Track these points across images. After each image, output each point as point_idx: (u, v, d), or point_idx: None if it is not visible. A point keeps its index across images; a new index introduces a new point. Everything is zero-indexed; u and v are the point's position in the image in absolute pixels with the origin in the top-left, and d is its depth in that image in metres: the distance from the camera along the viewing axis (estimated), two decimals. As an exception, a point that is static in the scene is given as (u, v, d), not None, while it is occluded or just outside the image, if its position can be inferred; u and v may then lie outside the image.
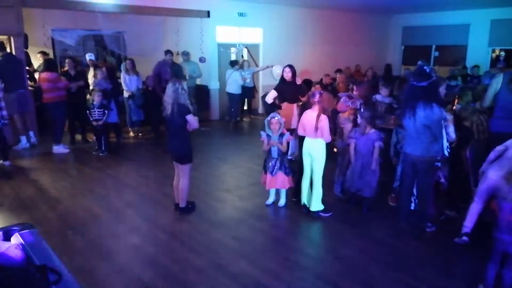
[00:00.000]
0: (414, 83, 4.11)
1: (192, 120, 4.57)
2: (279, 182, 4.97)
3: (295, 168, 5.23)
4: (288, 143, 5.03)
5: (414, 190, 4.53)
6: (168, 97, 4.49)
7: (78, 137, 8.23)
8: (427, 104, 4.02)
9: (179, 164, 4.74)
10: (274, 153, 4.94)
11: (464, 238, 3.97)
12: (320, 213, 4.81)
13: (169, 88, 4.49)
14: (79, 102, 7.79)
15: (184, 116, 4.51)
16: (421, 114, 4.05)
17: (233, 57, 11.57)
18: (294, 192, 5.16)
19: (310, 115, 4.64)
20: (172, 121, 4.55)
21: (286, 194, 5.11)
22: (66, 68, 8.00)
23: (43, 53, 8.73)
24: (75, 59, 8.70)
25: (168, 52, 8.83)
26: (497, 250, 3.10)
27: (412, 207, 4.60)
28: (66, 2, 8.15)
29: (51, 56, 9.41)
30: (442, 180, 4.53)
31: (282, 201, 5.09)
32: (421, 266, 3.75)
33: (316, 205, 4.78)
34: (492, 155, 3.86)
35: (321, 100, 4.60)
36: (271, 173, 4.95)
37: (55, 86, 7.20)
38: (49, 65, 7.39)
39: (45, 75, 7.23)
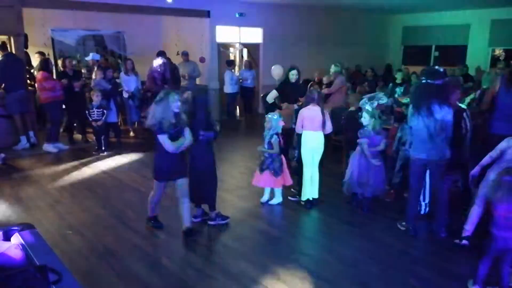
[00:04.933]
0: (429, 81, 3.97)
1: (163, 142, 3.91)
2: (263, 180, 5.05)
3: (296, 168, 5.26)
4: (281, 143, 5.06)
5: (422, 196, 4.52)
6: None
7: (78, 137, 8.23)
8: (443, 104, 3.92)
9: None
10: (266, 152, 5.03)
11: (464, 241, 3.91)
12: (314, 202, 5.05)
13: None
14: (79, 102, 7.78)
15: (154, 133, 3.93)
16: (437, 116, 3.91)
17: (231, 57, 11.60)
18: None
19: (314, 110, 4.81)
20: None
21: (281, 193, 5.16)
22: (66, 68, 7.97)
23: (41, 54, 8.74)
24: (76, 59, 8.71)
25: (161, 53, 8.71)
26: (495, 246, 3.13)
27: (422, 212, 4.60)
28: (66, 2, 8.15)
29: (51, 56, 9.43)
30: None
31: (274, 200, 5.14)
32: (422, 266, 3.75)
33: (316, 192, 5.04)
34: (487, 160, 3.75)
35: (320, 97, 4.89)
36: (260, 170, 5.05)
37: (44, 86, 7.16)
38: (43, 64, 7.37)
39: (39, 74, 7.24)
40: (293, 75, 5.95)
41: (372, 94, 5.80)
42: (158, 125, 3.85)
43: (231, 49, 11.82)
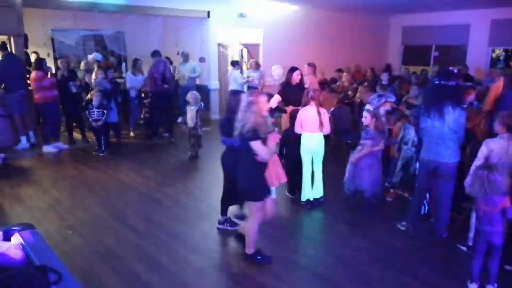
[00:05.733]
0: (442, 82, 3.87)
1: (258, 148, 3.40)
2: None
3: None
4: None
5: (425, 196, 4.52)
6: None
7: (78, 137, 8.23)
8: (456, 106, 3.84)
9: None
10: None
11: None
12: (321, 200, 5.06)
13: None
14: (76, 103, 7.78)
15: (246, 140, 3.40)
16: (449, 118, 3.83)
17: (230, 57, 11.58)
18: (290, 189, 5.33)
19: (312, 111, 4.80)
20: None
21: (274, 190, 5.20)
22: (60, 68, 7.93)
23: (36, 53, 8.74)
24: (73, 61, 8.69)
25: (156, 52, 8.73)
26: (480, 241, 3.23)
27: (422, 212, 4.59)
28: (66, 2, 8.14)
29: (51, 56, 9.42)
30: None
31: None
32: (421, 266, 3.75)
33: (321, 191, 5.09)
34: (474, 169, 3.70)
35: (315, 97, 4.85)
36: None
37: (41, 85, 7.16)
38: (37, 64, 7.35)
39: (33, 74, 7.24)
40: (296, 76, 5.94)
41: (382, 92, 5.83)
42: (252, 132, 3.36)
43: (229, 49, 11.81)
